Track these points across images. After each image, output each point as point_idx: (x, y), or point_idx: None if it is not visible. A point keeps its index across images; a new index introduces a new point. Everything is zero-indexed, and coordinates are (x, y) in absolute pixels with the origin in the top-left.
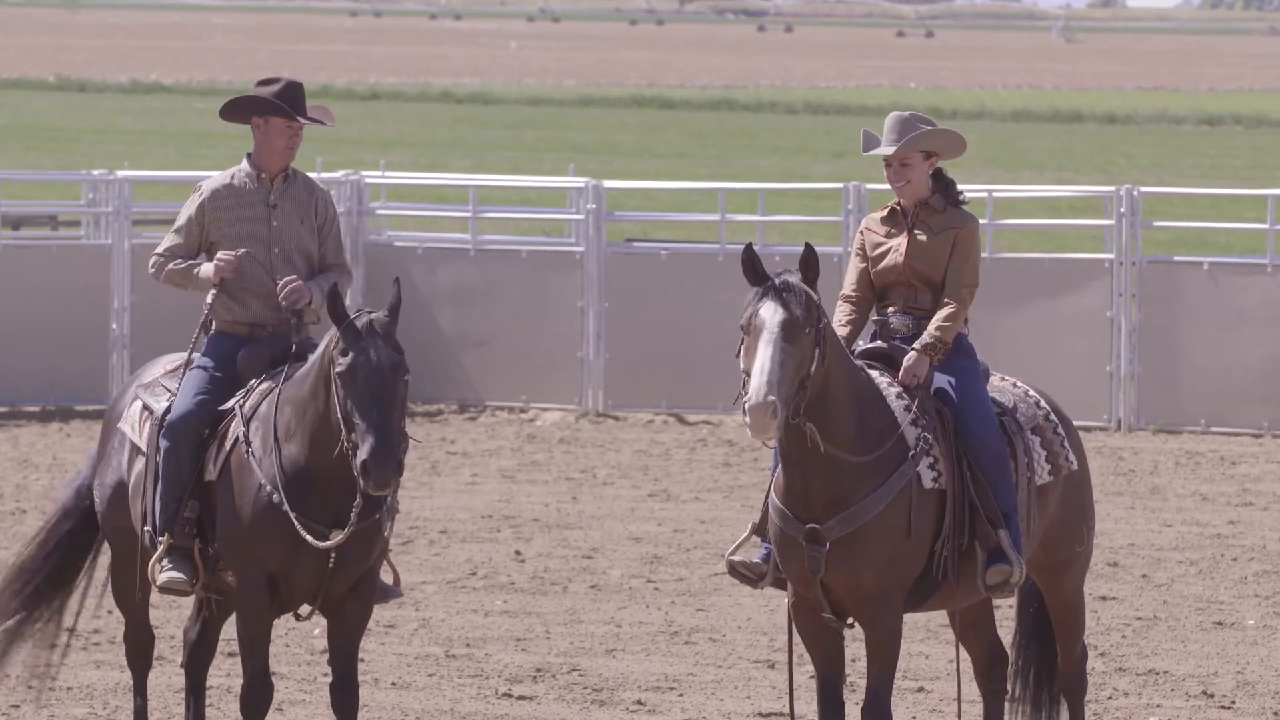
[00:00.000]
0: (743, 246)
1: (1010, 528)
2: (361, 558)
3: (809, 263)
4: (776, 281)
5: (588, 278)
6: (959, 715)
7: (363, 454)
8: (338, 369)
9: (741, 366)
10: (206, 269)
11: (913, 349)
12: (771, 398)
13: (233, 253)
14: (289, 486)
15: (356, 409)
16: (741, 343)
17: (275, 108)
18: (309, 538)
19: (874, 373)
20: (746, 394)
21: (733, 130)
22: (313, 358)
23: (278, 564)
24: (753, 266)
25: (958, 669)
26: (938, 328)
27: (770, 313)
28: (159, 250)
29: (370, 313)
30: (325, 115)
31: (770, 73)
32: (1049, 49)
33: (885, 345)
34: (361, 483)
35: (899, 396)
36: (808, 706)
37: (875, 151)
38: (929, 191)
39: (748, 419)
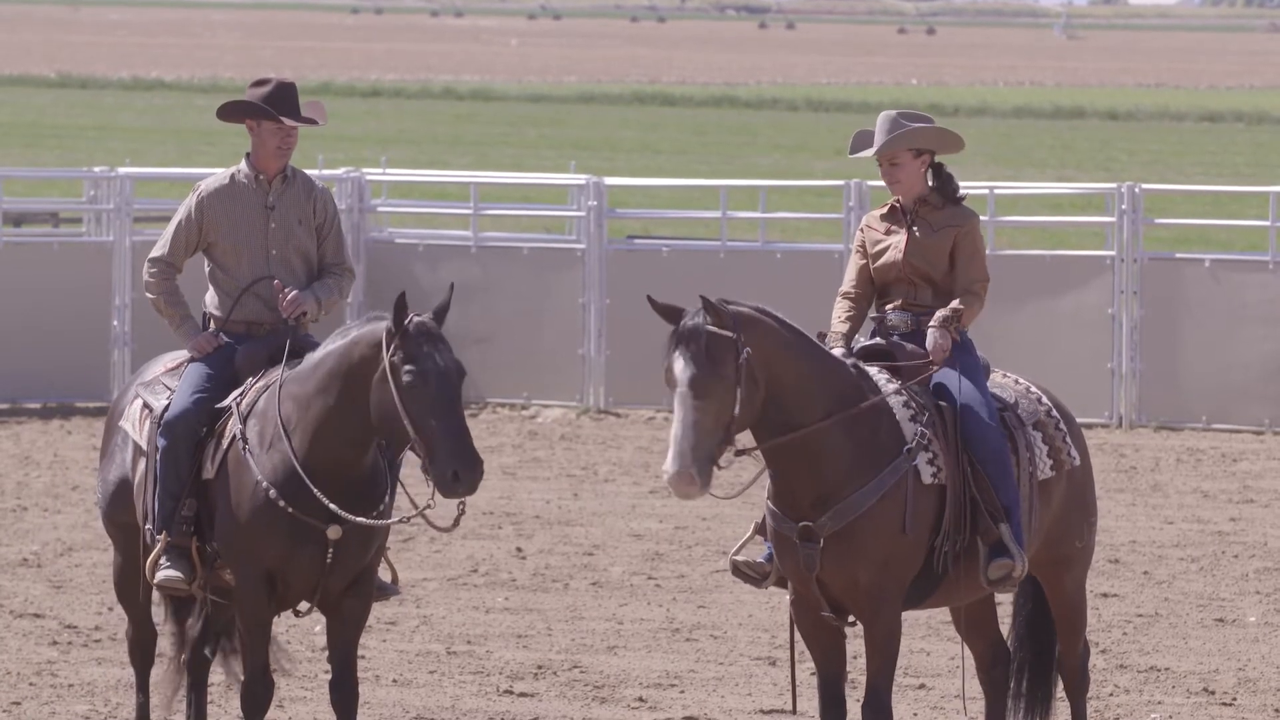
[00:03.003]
0: (742, 246)
1: (1011, 522)
2: (359, 554)
3: (713, 309)
4: (685, 326)
5: (589, 274)
6: (964, 712)
7: (449, 462)
8: (406, 377)
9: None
10: (188, 333)
11: (930, 326)
12: (688, 469)
13: (215, 341)
14: (288, 482)
15: (433, 416)
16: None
17: (263, 112)
18: (345, 515)
19: (872, 369)
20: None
21: (734, 127)
22: (323, 353)
23: (275, 561)
24: (662, 312)
25: (963, 667)
26: (955, 307)
27: (679, 369)
28: (154, 256)
29: (422, 317)
30: (317, 113)
31: (771, 69)
32: (1050, 46)
33: (884, 342)
34: (440, 489)
35: (898, 392)
36: (810, 704)
37: (861, 154)
38: (926, 188)
39: (670, 489)
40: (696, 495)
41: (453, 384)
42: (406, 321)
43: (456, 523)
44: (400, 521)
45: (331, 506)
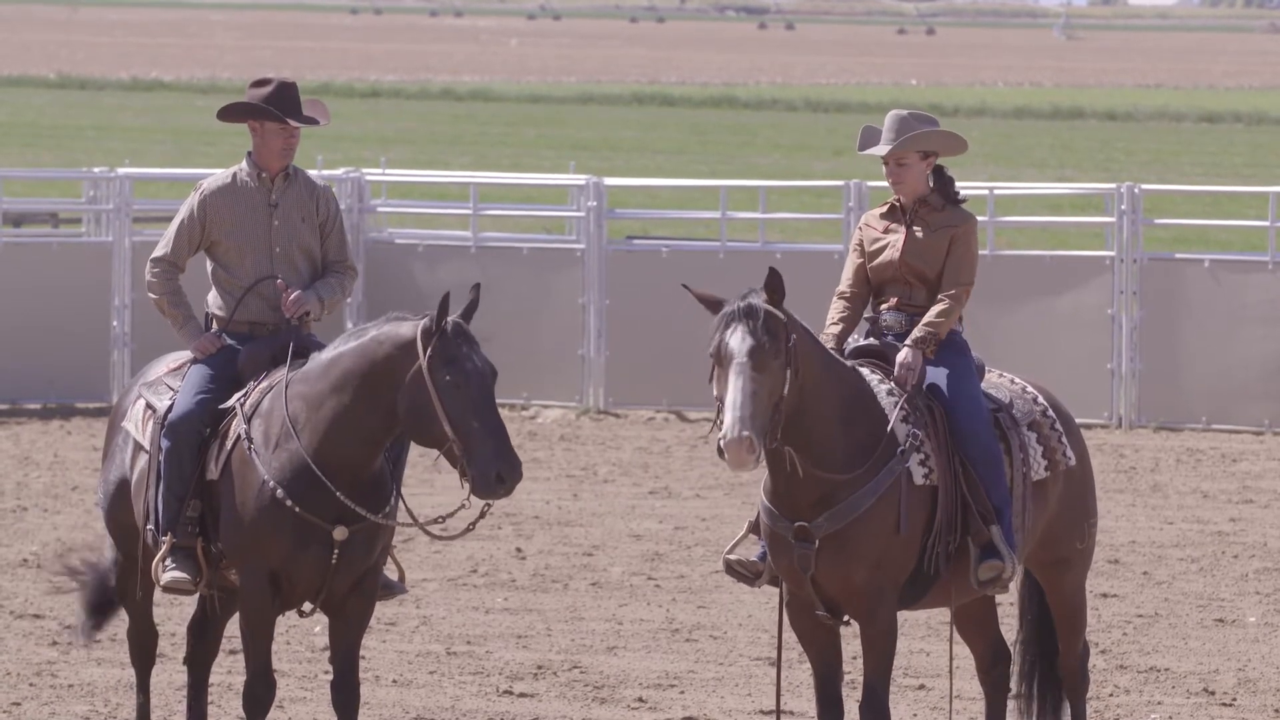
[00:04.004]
0: (742, 246)
1: (1002, 523)
2: (364, 555)
3: (773, 287)
4: (740, 306)
5: (588, 275)
6: (950, 713)
7: (493, 463)
8: (446, 378)
9: (715, 394)
10: (191, 333)
11: (905, 345)
12: (746, 433)
13: (217, 342)
14: (296, 481)
15: (475, 417)
16: (713, 370)
17: (267, 113)
18: (361, 511)
19: (865, 370)
20: (721, 427)
21: (733, 127)
22: (335, 352)
23: (280, 561)
24: (704, 301)
25: (950, 667)
26: (930, 323)
27: (738, 341)
28: (157, 255)
29: (455, 317)
30: (320, 113)
31: (771, 70)
32: (1050, 46)
33: (877, 342)
34: (481, 490)
35: (890, 394)
36: (808, 704)
37: (870, 151)
38: (927, 189)
39: (725, 455)
40: (750, 467)
41: (489, 384)
42: (445, 323)
43: (472, 526)
44: (432, 523)
45: (348, 503)
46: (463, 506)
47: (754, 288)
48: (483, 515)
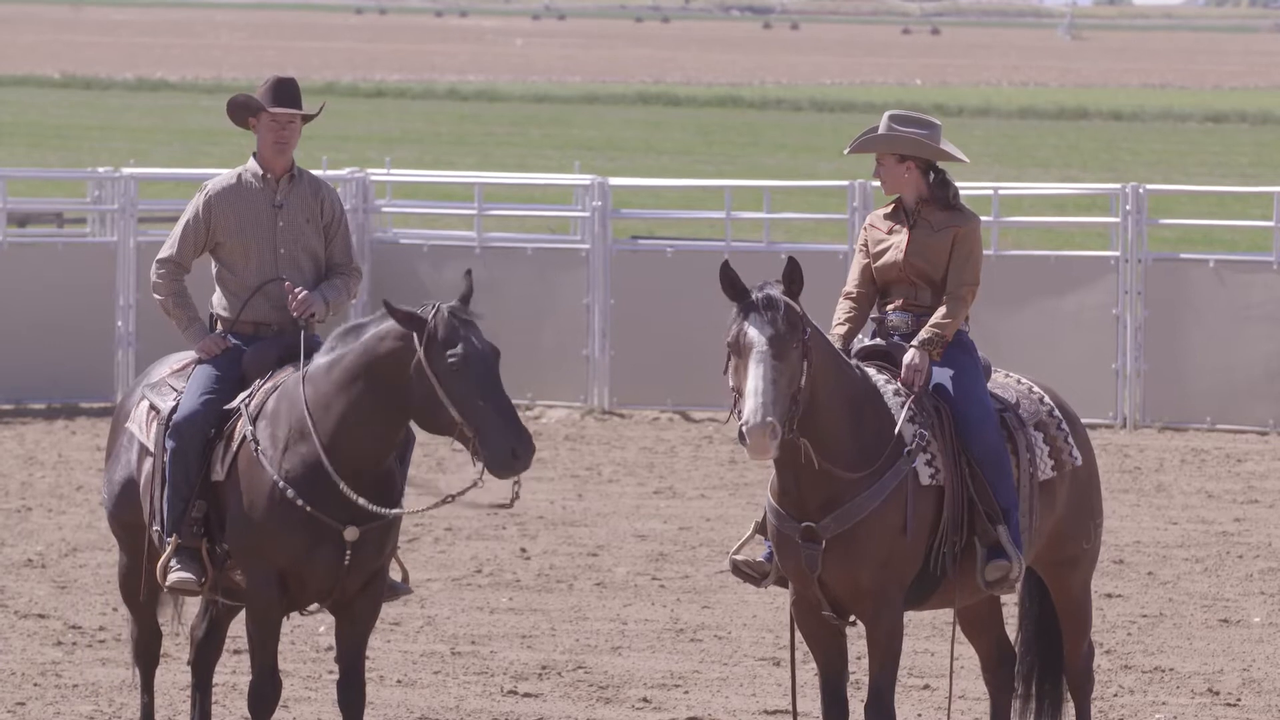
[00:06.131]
0: (747, 246)
1: (1009, 523)
2: (375, 555)
3: (792, 276)
4: (759, 297)
5: (593, 275)
6: (949, 714)
7: (507, 440)
8: (449, 362)
9: (731, 385)
10: (195, 334)
11: (911, 346)
12: (770, 419)
13: (222, 343)
14: (308, 482)
15: (483, 397)
16: (729, 360)
17: (255, 104)
18: (376, 509)
19: (871, 370)
20: (741, 415)
21: (738, 127)
22: (337, 352)
23: (290, 562)
24: (731, 284)
25: (950, 667)
26: (936, 324)
27: (757, 330)
28: (162, 257)
29: (450, 305)
30: (312, 106)
31: (776, 70)
32: (1055, 46)
33: (884, 343)
34: (496, 468)
35: (896, 394)
36: (813, 704)
37: (847, 150)
38: (926, 189)
39: (747, 441)
40: (771, 454)
41: (492, 364)
42: (434, 310)
43: (516, 497)
44: (449, 500)
45: (363, 502)
46: (475, 485)
47: (769, 280)
48: (516, 494)
